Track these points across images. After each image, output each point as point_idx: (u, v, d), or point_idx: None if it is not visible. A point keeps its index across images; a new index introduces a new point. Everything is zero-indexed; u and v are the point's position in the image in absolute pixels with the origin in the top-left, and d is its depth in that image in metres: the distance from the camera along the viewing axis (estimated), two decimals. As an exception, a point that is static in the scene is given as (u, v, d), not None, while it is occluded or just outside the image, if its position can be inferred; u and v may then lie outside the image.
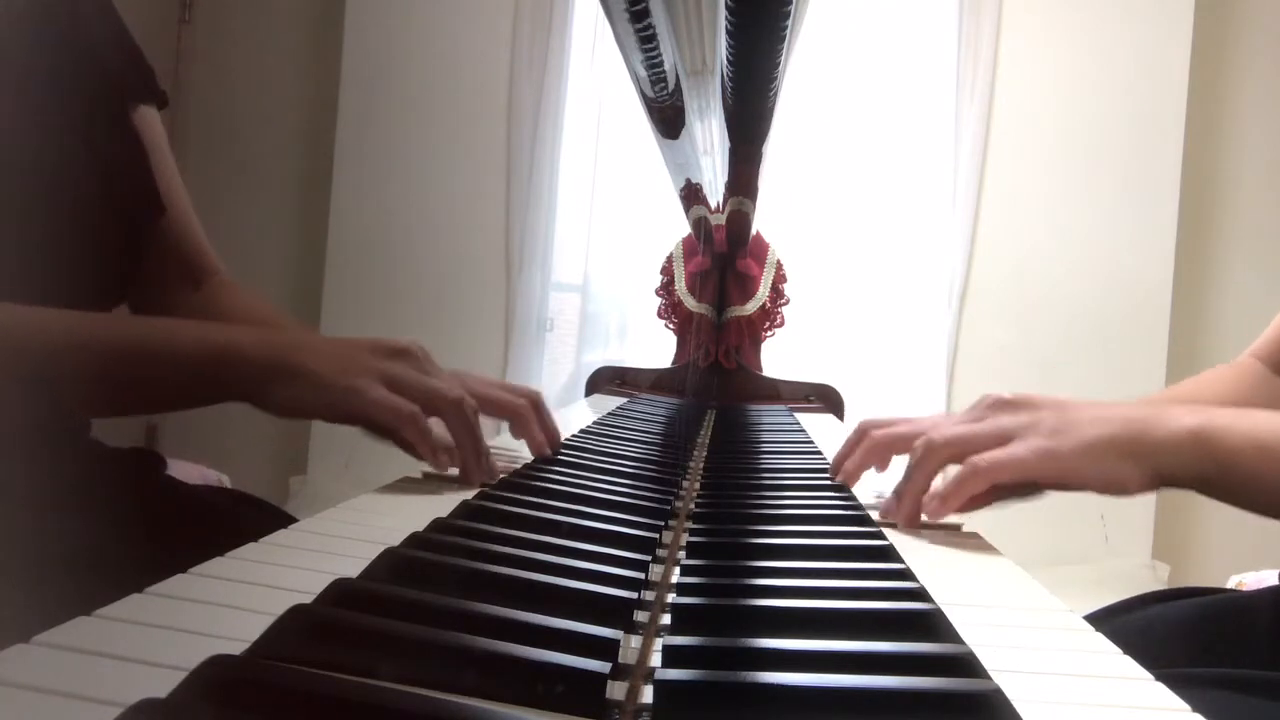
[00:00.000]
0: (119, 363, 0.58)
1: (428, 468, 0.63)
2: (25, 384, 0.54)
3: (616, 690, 0.28)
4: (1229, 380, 0.87)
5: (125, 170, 0.73)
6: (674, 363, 1.53)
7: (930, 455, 0.59)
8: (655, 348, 1.68)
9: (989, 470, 0.56)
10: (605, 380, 1.54)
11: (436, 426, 0.62)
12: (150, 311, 0.83)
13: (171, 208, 0.78)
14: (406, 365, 0.62)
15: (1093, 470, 0.55)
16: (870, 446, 0.69)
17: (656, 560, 0.44)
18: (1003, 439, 0.57)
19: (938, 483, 0.60)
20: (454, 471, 0.63)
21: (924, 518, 0.60)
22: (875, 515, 0.60)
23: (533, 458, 0.70)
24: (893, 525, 0.60)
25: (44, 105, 0.66)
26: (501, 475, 0.64)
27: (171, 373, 0.60)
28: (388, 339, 0.64)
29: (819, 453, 0.90)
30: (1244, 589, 0.92)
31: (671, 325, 1.53)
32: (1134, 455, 0.55)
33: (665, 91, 0.61)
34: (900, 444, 0.67)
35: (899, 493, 0.61)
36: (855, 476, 0.69)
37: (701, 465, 0.81)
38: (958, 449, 0.58)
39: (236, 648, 0.28)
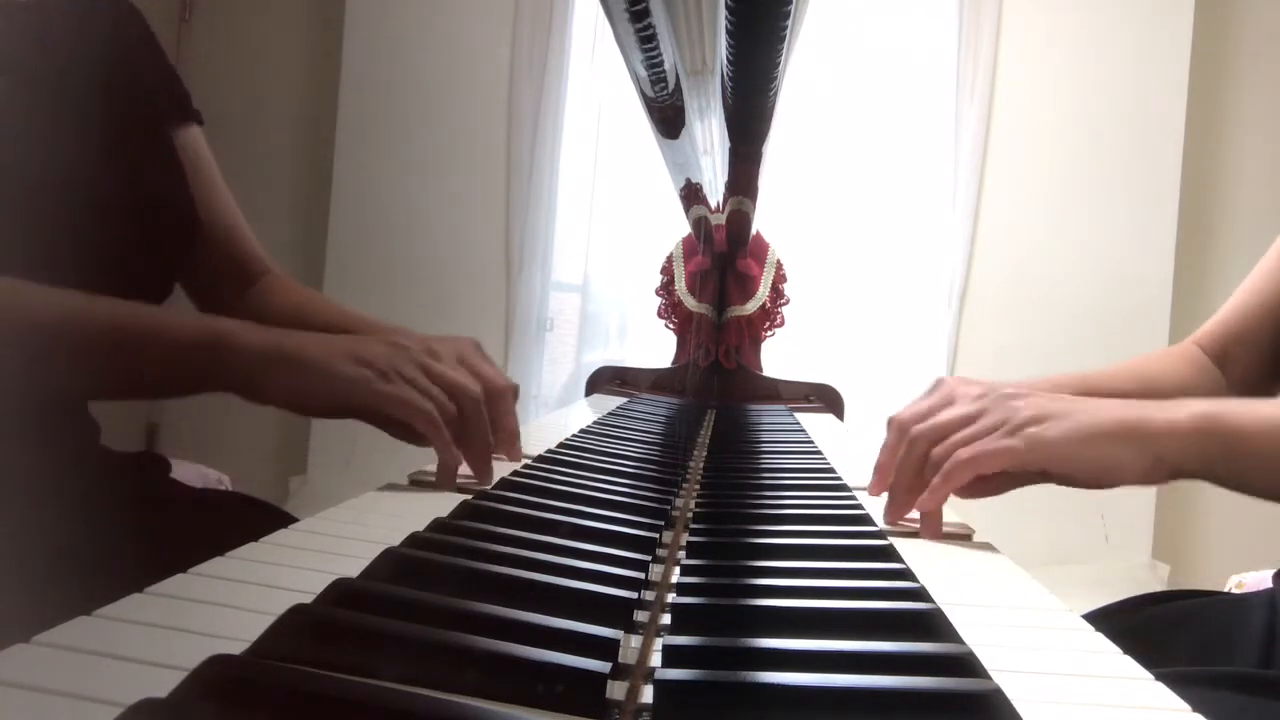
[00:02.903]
0: (109, 343, 0.57)
1: (429, 462, 0.62)
2: (20, 359, 0.54)
3: (616, 690, 0.28)
4: (1173, 362, 0.88)
5: (162, 186, 0.75)
6: (674, 363, 1.53)
7: (959, 471, 0.57)
8: (655, 348, 1.68)
9: (972, 461, 0.55)
10: (605, 380, 1.54)
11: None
12: (206, 311, 0.84)
13: (219, 215, 0.81)
14: (412, 355, 0.60)
15: (1087, 456, 0.54)
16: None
17: (656, 560, 0.44)
18: (992, 428, 0.57)
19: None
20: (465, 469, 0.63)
21: (914, 512, 0.60)
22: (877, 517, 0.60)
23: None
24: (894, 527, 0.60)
25: (87, 126, 0.67)
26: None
27: (162, 356, 0.58)
28: (389, 332, 0.63)
29: (819, 453, 0.90)
30: (1244, 589, 0.92)
31: (671, 325, 1.53)
32: (1133, 440, 0.54)
33: (665, 91, 0.61)
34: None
35: (890, 491, 0.60)
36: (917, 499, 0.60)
37: (701, 465, 0.81)
38: (941, 436, 0.58)
39: (236, 648, 0.28)
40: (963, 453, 0.56)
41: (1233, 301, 0.88)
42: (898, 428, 0.62)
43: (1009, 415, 0.57)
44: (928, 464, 0.59)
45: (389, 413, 0.58)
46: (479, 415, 0.61)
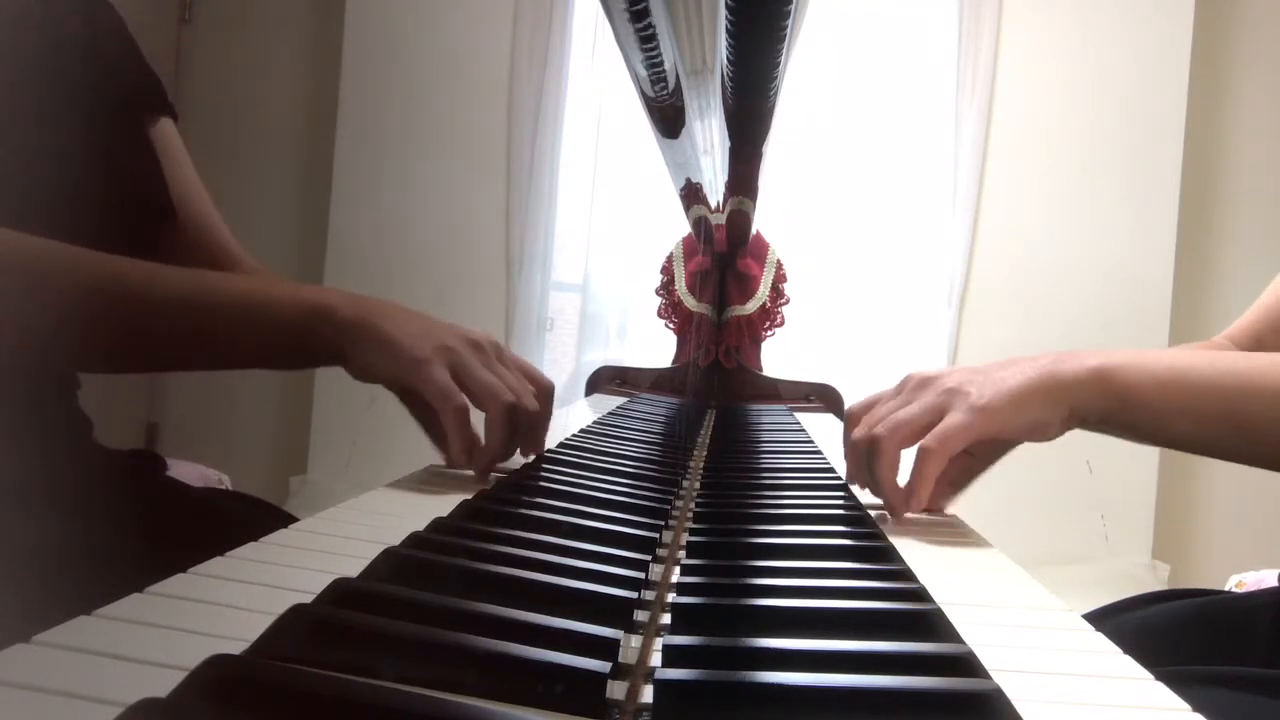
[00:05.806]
0: (212, 317, 0.60)
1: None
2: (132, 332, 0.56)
3: (616, 690, 0.28)
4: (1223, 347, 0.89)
5: (138, 177, 0.75)
6: (674, 362, 1.53)
7: (885, 447, 0.61)
8: (655, 348, 1.68)
9: (941, 447, 0.58)
10: (605, 380, 1.54)
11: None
12: None
13: (192, 207, 0.80)
14: (477, 357, 0.63)
15: (1022, 419, 0.58)
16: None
17: (656, 560, 0.44)
18: (939, 413, 0.60)
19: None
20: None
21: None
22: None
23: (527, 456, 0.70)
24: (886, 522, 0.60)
25: (61, 116, 0.67)
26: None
27: (259, 329, 0.61)
28: (468, 329, 0.65)
29: (819, 453, 0.90)
30: (1244, 589, 0.92)
31: (671, 325, 1.53)
32: (1051, 399, 0.59)
33: (665, 91, 0.61)
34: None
35: (876, 493, 0.62)
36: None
37: (701, 465, 0.81)
38: (905, 433, 0.60)
39: (236, 648, 0.28)
40: (926, 442, 0.58)
41: (1267, 297, 0.91)
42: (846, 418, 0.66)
43: (944, 394, 0.60)
44: (862, 451, 0.62)
45: (428, 397, 0.60)
46: (501, 423, 0.63)
